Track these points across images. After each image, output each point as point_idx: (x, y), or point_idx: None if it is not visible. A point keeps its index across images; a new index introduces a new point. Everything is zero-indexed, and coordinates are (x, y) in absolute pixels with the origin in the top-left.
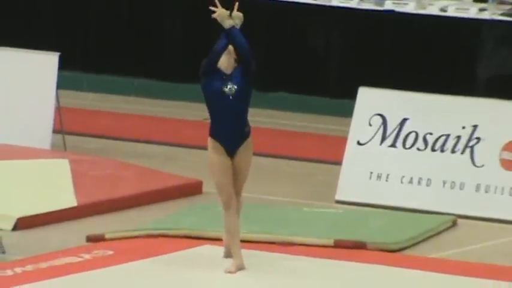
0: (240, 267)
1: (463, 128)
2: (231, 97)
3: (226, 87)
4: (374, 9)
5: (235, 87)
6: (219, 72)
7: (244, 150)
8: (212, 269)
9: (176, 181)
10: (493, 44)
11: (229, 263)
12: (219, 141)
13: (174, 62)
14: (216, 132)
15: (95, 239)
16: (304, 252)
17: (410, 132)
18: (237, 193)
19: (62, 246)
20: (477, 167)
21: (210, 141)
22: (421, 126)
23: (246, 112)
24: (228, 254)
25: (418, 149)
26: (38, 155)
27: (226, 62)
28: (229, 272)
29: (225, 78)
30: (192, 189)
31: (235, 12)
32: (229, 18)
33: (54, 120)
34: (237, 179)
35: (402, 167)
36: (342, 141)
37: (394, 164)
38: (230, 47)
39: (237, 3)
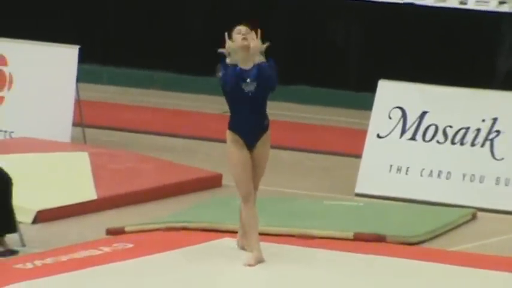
0: (260, 260)
1: (483, 121)
2: (250, 93)
3: (246, 83)
4: (394, 2)
5: (255, 83)
6: (237, 68)
7: (263, 144)
8: (232, 262)
9: (196, 174)
10: None
11: (248, 255)
12: (239, 134)
13: (194, 55)
14: (236, 125)
15: (114, 232)
16: (323, 245)
17: (430, 125)
18: (255, 187)
19: (81, 239)
20: (497, 160)
21: (229, 134)
22: (441, 119)
23: (265, 106)
24: (241, 247)
25: (438, 142)
26: (58, 148)
27: (244, 58)
28: (249, 265)
29: (244, 74)
30: (212, 182)
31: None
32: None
33: (74, 113)
34: (255, 173)
35: (422, 160)
36: (362, 134)
37: (414, 157)
38: (245, 40)
39: (259, 32)
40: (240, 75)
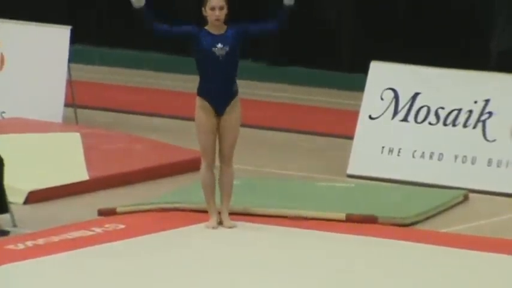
0: (212, 226)
1: (475, 102)
2: (220, 57)
3: (216, 48)
4: None
5: (227, 48)
6: (208, 33)
7: (232, 109)
8: (223, 243)
9: (188, 155)
10: (505, 17)
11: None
12: (208, 100)
13: None
14: (205, 91)
15: (106, 213)
16: (315, 227)
17: (422, 107)
18: (227, 158)
19: (73, 220)
20: (489, 141)
21: (198, 100)
22: (433, 101)
23: (235, 71)
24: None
25: (430, 124)
26: (50, 128)
27: (215, 28)
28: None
29: (214, 38)
30: None
31: None
32: None
33: (66, 93)
34: (224, 140)
35: (414, 142)
36: (354, 115)
37: (406, 139)
38: (219, 12)
39: None
40: (210, 39)
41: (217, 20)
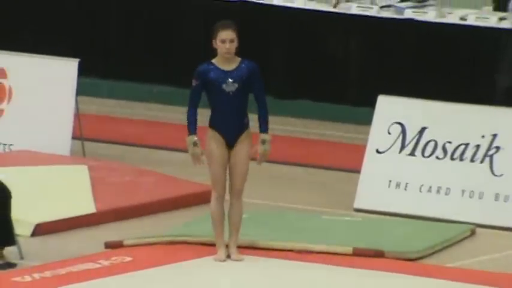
0: (220, 259)
1: (483, 137)
2: (230, 93)
3: (226, 84)
4: (394, 17)
5: (236, 85)
6: (217, 68)
7: (243, 142)
8: (232, 276)
9: (195, 188)
10: None
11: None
12: (219, 131)
13: (194, 68)
14: (216, 123)
15: (113, 246)
16: (322, 260)
17: (429, 141)
18: (237, 191)
19: (80, 253)
20: (496, 176)
21: (209, 131)
22: (440, 135)
23: (246, 105)
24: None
25: (437, 158)
26: (57, 161)
27: (226, 60)
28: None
29: (224, 74)
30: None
31: None
32: None
33: (74, 126)
34: (235, 173)
35: (421, 176)
36: (361, 149)
37: (413, 173)
38: (229, 45)
39: None
40: (220, 76)
41: (228, 53)
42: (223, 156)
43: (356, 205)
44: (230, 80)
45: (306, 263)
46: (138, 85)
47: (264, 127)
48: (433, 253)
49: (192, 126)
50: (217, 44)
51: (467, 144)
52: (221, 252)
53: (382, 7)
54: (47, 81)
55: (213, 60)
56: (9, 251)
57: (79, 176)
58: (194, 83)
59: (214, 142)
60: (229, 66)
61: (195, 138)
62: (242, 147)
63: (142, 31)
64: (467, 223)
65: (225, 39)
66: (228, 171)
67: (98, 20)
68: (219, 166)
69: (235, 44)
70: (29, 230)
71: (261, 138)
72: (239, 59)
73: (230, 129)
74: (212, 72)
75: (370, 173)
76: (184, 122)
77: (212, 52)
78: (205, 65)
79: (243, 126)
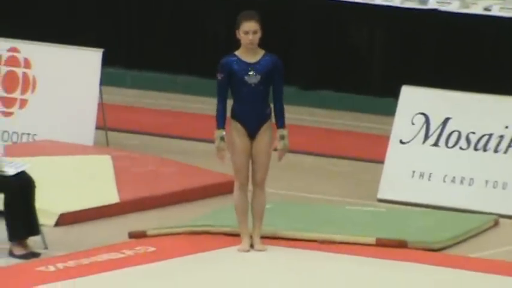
0: (245, 250)
1: (506, 127)
2: (253, 85)
3: (249, 76)
4: (417, 7)
5: (259, 77)
6: (240, 60)
7: (265, 132)
8: (253, 267)
9: (218, 178)
10: None
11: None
12: (240, 122)
13: (217, 59)
14: (238, 114)
15: (137, 236)
16: (345, 251)
17: (453, 132)
18: (260, 181)
19: (104, 243)
20: None
21: (231, 122)
22: (464, 126)
23: (267, 95)
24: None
25: (461, 148)
26: (81, 151)
27: (249, 51)
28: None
29: (247, 67)
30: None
31: None
32: None
33: (97, 116)
34: (257, 163)
35: (444, 166)
36: (385, 139)
37: (437, 163)
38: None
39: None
40: (243, 68)
41: (251, 43)
42: (245, 146)
43: (379, 195)
44: (253, 72)
45: (328, 253)
46: (161, 75)
47: (281, 122)
48: (457, 243)
49: (220, 120)
50: (241, 35)
51: (490, 135)
52: (245, 243)
53: None
54: (71, 71)
55: (236, 52)
56: (33, 241)
57: (102, 166)
58: (219, 76)
59: (236, 133)
60: (253, 58)
61: (223, 132)
62: (264, 137)
63: (166, 21)
64: (491, 213)
65: (248, 31)
66: (250, 162)
67: (121, 10)
68: (241, 156)
69: (258, 35)
70: (52, 220)
71: (280, 134)
72: (263, 51)
73: (252, 120)
74: (235, 64)
75: (393, 164)
76: (207, 111)
77: (235, 42)
78: (229, 57)
79: (265, 116)
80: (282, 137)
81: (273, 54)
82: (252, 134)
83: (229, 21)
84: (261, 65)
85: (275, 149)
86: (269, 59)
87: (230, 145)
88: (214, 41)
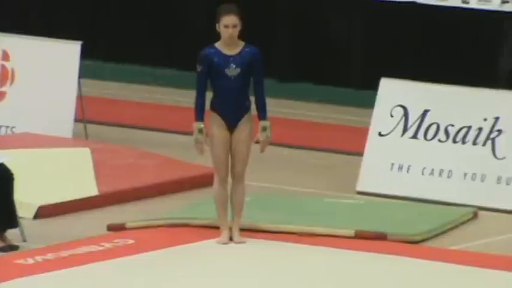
0: (223, 242)
1: (485, 120)
2: (233, 78)
3: (229, 69)
4: (396, 0)
5: (239, 69)
6: (220, 52)
7: (244, 125)
8: (232, 259)
9: (198, 171)
10: None
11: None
12: (220, 114)
13: (196, 51)
14: (217, 106)
15: (115, 228)
16: (324, 243)
17: (431, 124)
18: (239, 174)
19: (82, 235)
20: (498, 159)
21: (210, 115)
22: (443, 118)
23: (247, 88)
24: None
25: (440, 141)
26: (60, 143)
27: (229, 44)
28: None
29: (227, 59)
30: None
31: None
32: None
33: (76, 109)
34: (236, 156)
35: (423, 159)
36: (364, 132)
37: (415, 156)
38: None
39: None
40: (223, 60)
41: (231, 38)
42: (224, 138)
43: (358, 188)
44: (233, 65)
45: (307, 246)
46: (140, 68)
47: (263, 114)
48: (436, 236)
49: (199, 113)
50: (221, 28)
51: (469, 127)
52: (224, 235)
53: None
54: (49, 63)
55: (216, 44)
56: (12, 234)
57: (82, 158)
58: (199, 68)
59: (215, 125)
60: (232, 51)
61: (201, 125)
62: (243, 130)
63: (145, 13)
64: (470, 206)
65: (228, 25)
66: (230, 155)
67: (100, 2)
68: (220, 149)
69: (238, 29)
70: (31, 213)
71: (262, 125)
72: (242, 43)
73: (231, 112)
74: (215, 57)
75: (372, 156)
76: (186, 104)
77: (215, 34)
78: (208, 49)
79: (245, 109)
80: (264, 129)
81: (253, 46)
82: (231, 127)
83: (209, 13)
84: (241, 57)
85: (257, 141)
86: (249, 50)
87: (209, 137)
88: (193, 33)
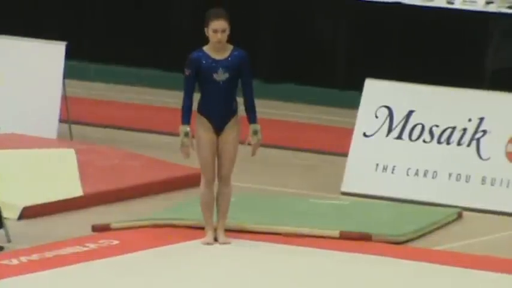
0: (208, 242)
1: (469, 120)
2: (221, 82)
3: (217, 74)
4: (381, 0)
5: (227, 74)
6: (208, 56)
7: (231, 127)
8: (218, 260)
9: (183, 171)
10: (499, 36)
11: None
12: (207, 117)
13: (182, 52)
14: (204, 109)
15: (100, 229)
16: (309, 244)
17: (416, 125)
18: (225, 176)
19: (67, 236)
20: (483, 159)
21: (197, 117)
22: (427, 119)
23: (235, 91)
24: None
25: (424, 141)
26: (44, 144)
27: (217, 49)
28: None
29: (215, 64)
30: (199, 179)
31: None
32: None
33: (61, 109)
34: (223, 158)
35: (408, 159)
36: (348, 132)
37: (400, 156)
38: (221, 35)
39: None
40: (211, 65)
41: (219, 42)
42: (211, 141)
43: (343, 188)
44: (221, 70)
45: (292, 247)
46: (125, 68)
47: (253, 117)
48: (420, 236)
49: (186, 116)
50: (209, 33)
51: (454, 128)
52: (209, 236)
53: None
54: (34, 64)
55: (204, 48)
56: None
57: (66, 159)
58: (187, 72)
59: (202, 128)
60: (221, 55)
61: (188, 128)
62: (230, 132)
63: (130, 14)
64: (454, 206)
65: (217, 29)
66: (216, 157)
67: (85, 2)
68: (207, 152)
69: (227, 33)
70: (16, 213)
71: (253, 129)
72: (231, 46)
73: (219, 115)
74: (204, 61)
75: (357, 157)
76: (172, 105)
77: (201, 36)
78: (197, 53)
79: (231, 112)
80: (255, 132)
81: (241, 50)
82: (218, 130)
83: (195, 14)
84: (229, 61)
85: (249, 144)
86: (237, 54)
87: (196, 140)
88: (179, 34)
